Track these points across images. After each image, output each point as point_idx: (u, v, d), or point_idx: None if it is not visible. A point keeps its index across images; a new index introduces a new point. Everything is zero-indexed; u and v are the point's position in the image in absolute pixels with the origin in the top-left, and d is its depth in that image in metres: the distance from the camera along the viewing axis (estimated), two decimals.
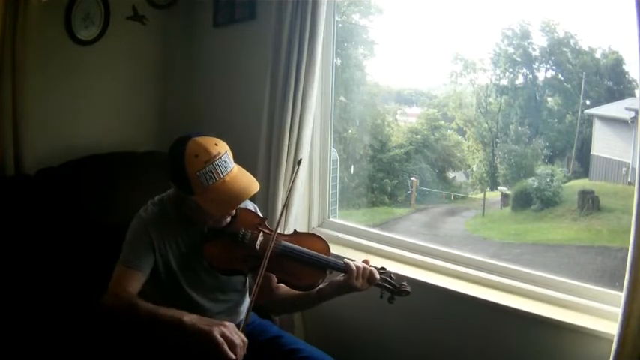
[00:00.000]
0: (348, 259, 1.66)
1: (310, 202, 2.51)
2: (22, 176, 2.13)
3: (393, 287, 1.63)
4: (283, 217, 2.16)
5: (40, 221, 2.00)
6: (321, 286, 1.66)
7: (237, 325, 1.50)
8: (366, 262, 1.65)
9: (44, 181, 2.10)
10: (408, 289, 1.64)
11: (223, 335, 1.41)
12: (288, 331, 1.92)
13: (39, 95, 2.21)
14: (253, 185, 1.59)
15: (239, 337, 1.43)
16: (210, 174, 1.51)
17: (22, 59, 2.08)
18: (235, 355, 1.40)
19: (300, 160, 2.04)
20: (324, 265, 1.64)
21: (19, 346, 1.77)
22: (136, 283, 1.57)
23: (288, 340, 1.75)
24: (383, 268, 1.68)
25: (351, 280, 1.59)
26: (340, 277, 1.64)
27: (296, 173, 1.95)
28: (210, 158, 1.51)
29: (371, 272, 1.61)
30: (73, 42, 2.33)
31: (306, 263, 1.64)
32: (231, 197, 1.55)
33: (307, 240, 1.71)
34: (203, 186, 1.52)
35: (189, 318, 1.46)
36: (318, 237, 1.76)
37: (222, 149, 1.55)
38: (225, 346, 1.40)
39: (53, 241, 1.98)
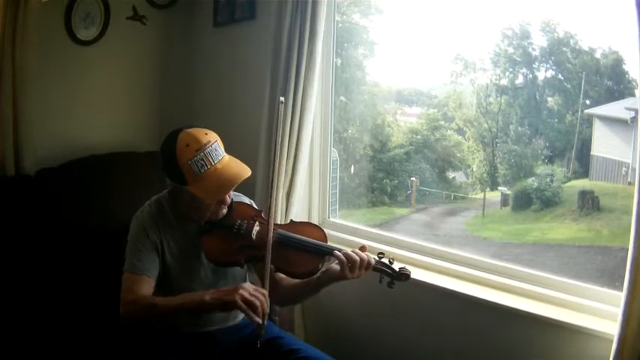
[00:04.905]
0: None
1: (310, 202, 2.51)
2: (22, 176, 2.13)
3: (392, 272, 1.63)
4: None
5: (40, 221, 2.00)
6: (319, 273, 1.65)
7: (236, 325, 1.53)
8: (363, 249, 1.65)
9: (44, 181, 2.10)
10: (408, 272, 1.63)
11: (245, 301, 1.43)
12: (288, 331, 1.92)
13: (39, 95, 2.21)
14: (245, 171, 1.61)
15: (257, 297, 1.45)
16: (202, 162, 1.54)
17: (22, 59, 2.09)
18: (259, 317, 1.43)
19: (282, 101, 1.71)
20: (321, 251, 1.65)
21: (19, 346, 1.77)
22: (147, 286, 1.57)
23: (288, 341, 1.75)
24: (381, 252, 1.68)
25: (349, 265, 1.59)
26: (337, 263, 1.64)
27: (278, 115, 1.69)
28: (201, 146, 1.54)
29: (368, 257, 1.62)
30: (73, 42, 2.33)
31: (304, 251, 1.65)
32: (224, 183, 1.57)
33: (304, 228, 1.73)
34: (195, 174, 1.54)
35: (209, 296, 1.48)
36: (314, 225, 1.78)
37: (212, 138, 1.58)
38: (250, 312, 1.43)
39: (53, 241, 1.98)
